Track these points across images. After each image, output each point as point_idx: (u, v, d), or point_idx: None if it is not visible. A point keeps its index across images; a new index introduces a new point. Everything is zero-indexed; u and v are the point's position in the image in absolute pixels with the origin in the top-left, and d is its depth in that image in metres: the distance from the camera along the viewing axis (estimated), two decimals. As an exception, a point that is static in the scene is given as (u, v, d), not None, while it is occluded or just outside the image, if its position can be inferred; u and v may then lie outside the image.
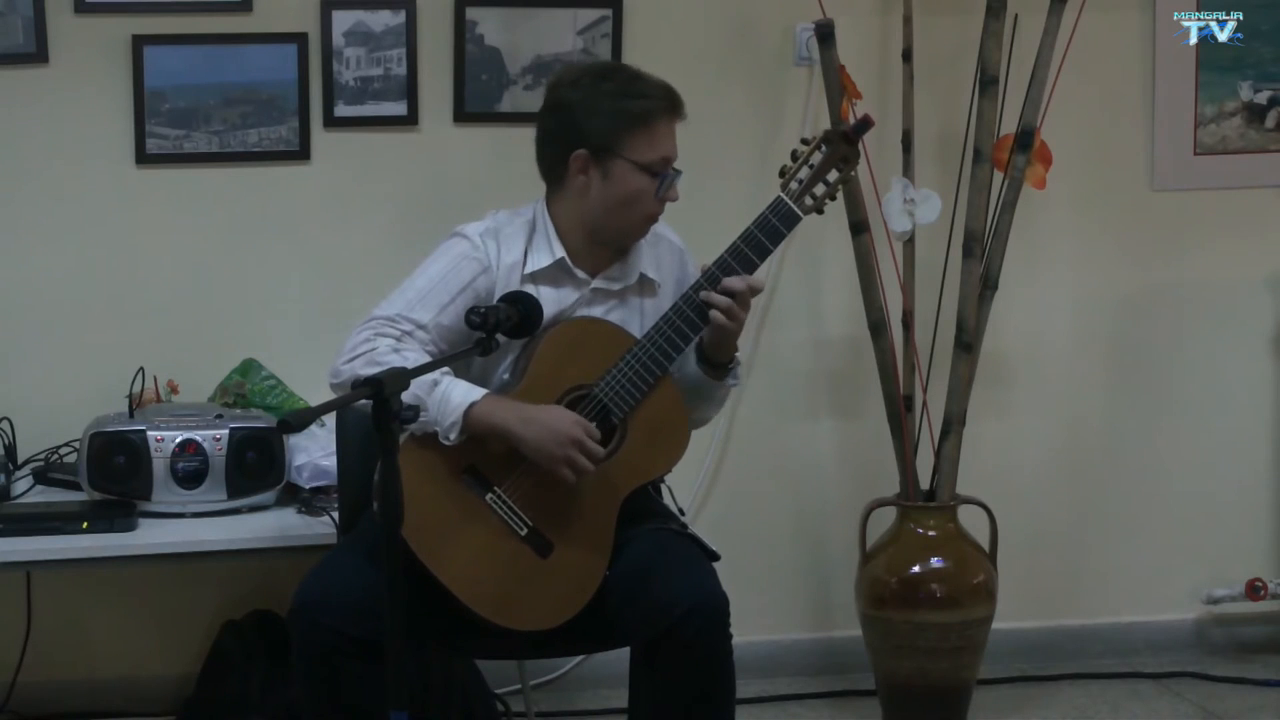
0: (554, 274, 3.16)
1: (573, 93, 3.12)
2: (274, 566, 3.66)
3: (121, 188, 3.95)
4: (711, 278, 3.09)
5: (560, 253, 3.15)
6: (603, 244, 3.18)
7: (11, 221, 3.93)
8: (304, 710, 3.03)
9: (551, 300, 3.12)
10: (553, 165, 3.17)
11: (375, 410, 2.51)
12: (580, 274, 3.17)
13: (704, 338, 3.14)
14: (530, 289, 3.12)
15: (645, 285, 3.23)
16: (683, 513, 3.29)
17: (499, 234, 3.17)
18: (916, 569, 3.96)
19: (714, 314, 3.07)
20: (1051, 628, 4.46)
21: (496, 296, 3.11)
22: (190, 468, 3.59)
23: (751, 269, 3.10)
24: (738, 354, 3.21)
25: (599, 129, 3.08)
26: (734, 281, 3.08)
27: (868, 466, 4.24)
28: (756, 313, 3.05)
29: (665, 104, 3.11)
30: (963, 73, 4.10)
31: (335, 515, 3.47)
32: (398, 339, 3.06)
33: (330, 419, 3.55)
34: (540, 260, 3.15)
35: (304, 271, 4.05)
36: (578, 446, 2.99)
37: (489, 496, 3.04)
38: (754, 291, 3.10)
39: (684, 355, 3.15)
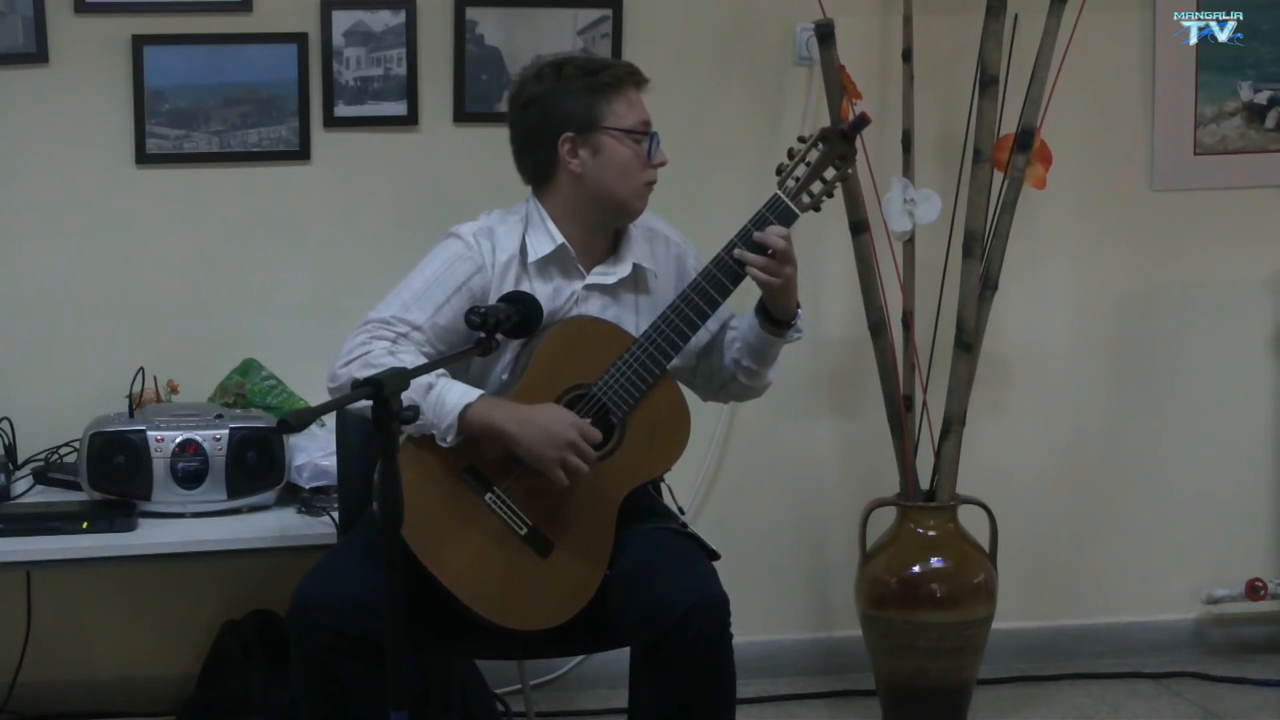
0: (553, 264, 3.16)
1: (539, 86, 3.16)
2: (274, 566, 3.66)
3: (121, 188, 3.95)
4: (709, 276, 3.10)
5: (560, 239, 3.16)
6: (605, 225, 3.19)
7: (11, 221, 3.93)
8: (302, 710, 3.03)
9: (547, 296, 3.12)
10: (539, 162, 3.18)
11: (375, 410, 2.51)
12: (578, 265, 3.18)
13: (764, 300, 3.15)
14: (526, 282, 3.12)
15: (639, 278, 3.23)
16: (683, 512, 3.29)
17: (493, 233, 3.17)
18: (916, 569, 3.96)
19: (754, 271, 3.07)
20: (1051, 628, 4.45)
21: (492, 295, 3.11)
22: (190, 468, 3.59)
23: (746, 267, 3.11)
24: (800, 309, 3.20)
25: (577, 107, 3.12)
26: (766, 236, 3.08)
27: (868, 466, 4.24)
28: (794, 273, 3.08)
29: (629, 72, 3.18)
30: (963, 73, 4.10)
31: (335, 515, 3.47)
32: (394, 341, 3.06)
33: (330, 419, 3.55)
34: (541, 248, 3.15)
35: (304, 271, 4.05)
36: (572, 449, 2.98)
37: (488, 496, 3.04)
38: (784, 238, 3.09)
39: (744, 323, 3.19)
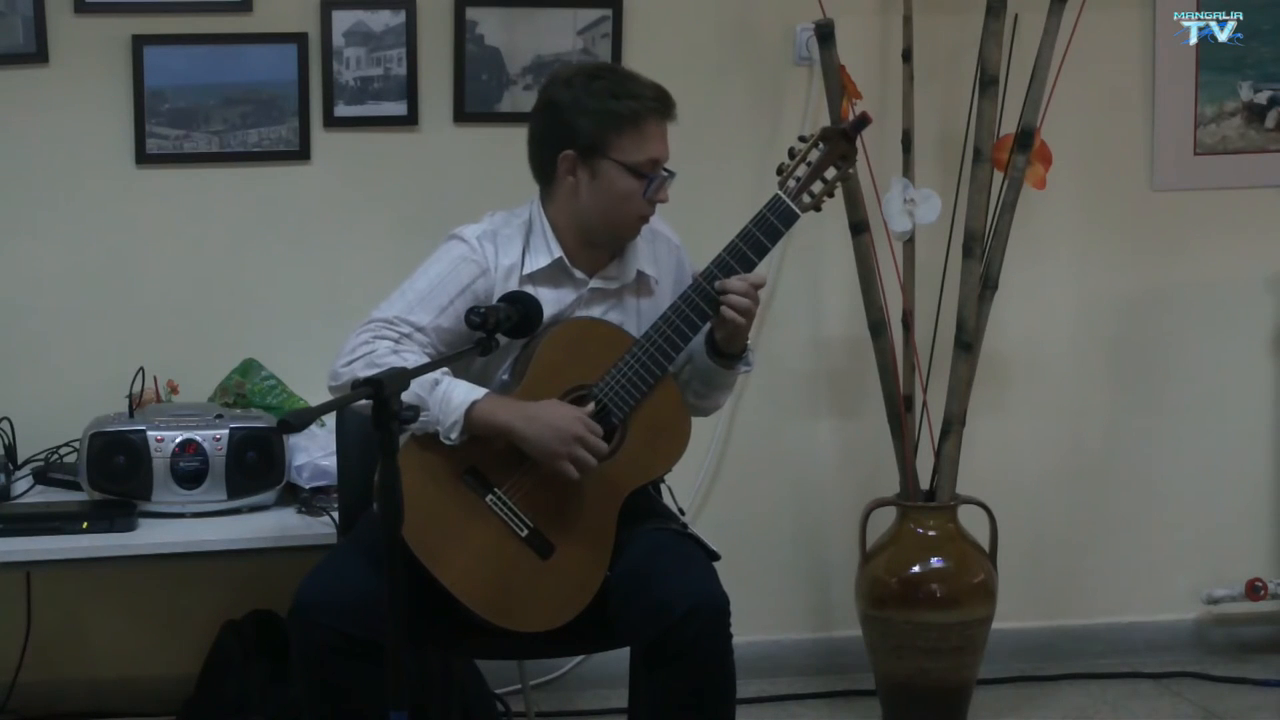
0: (552, 274, 3.16)
1: (563, 92, 3.12)
2: (274, 566, 3.65)
3: (121, 188, 3.96)
4: (710, 276, 3.09)
5: (558, 252, 3.15)
6: (596, 245, 3.18)
7: (12, 222, 3.93)
8: (303, 710, 3.03)
9: (550, 301, 3.12)
10: (543, 165, 3.16)
11: (375, 410, 2.51)
12: (578, 274, 3.17)
13: (715, 332, 3.14)
14: (529, 290, 3.12)
15: (642, 283, 3.23)
16: (683, 513, 3.29)
17: (496, 236, 3.17)
18: (916, 569, 3.96)
19: (727, 311, 3.06)
20: (1051, 628, 4.46)
21: (495, 298, 3.11)
22: (190, 468, 3.59)
23: (750, 267, 3.10)
24: (749, 341, 3.20)
25: (586, 129, 3.07)
26: (734, 282, 3.07)
27: (868, 466, 4.24)
28: (757, 312, 3.08)
29: (655, 105, 3.09)
30: (963, 73, 4.10)
31: (335, 515, 3.47)
32: (396, 341, 3.05)
33: (330, 419, 3.55)
34: (538, 261, 3.15)
35: (304, 271, 4.05)
36: (580, 443, 2.99)
37: (489, 497, 3.04)
38: (757, 287, 3.10)
39: (695, 345, 3.17)
